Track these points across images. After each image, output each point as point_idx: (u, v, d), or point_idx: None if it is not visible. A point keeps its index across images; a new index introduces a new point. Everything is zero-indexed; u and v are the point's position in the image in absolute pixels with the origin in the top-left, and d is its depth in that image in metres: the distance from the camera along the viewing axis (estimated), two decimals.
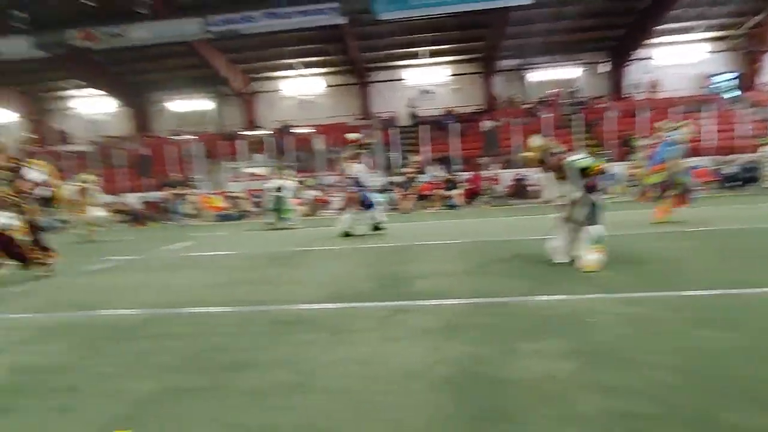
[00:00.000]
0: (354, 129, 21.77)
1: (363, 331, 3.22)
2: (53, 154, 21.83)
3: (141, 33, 17.00)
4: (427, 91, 23.66)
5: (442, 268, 5.21)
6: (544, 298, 3.77)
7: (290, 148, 19.26)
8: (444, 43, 21.72)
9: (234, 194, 17.06)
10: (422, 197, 15.49)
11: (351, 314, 3.67)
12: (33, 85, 24.78)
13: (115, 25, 16.85)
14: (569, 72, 23.05)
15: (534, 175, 12.22)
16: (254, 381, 2.48)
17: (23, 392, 2.56)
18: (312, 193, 16.10)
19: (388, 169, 17.03)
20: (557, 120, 18.24)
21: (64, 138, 25.26)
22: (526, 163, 5.32)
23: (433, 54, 22.62)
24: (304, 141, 21.03)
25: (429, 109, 22.89)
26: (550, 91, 21.78)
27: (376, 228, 8.78)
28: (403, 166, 17.45)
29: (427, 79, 23.93)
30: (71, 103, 26.49)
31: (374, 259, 6.17)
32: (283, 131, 22.43)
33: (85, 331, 3.65)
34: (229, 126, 24.72)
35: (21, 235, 5.84)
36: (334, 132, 20.63)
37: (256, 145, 20.88)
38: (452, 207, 14.69)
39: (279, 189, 11.18)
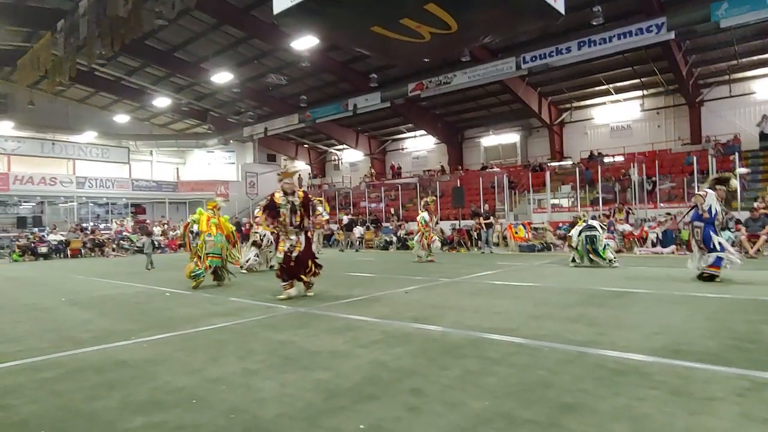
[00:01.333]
0: (680, 155, 18.99)
1: (715, 401, 2.67)
2: (389, 186, 26.44)
3: (462, 78, 19.02)
4: None
5: None
6: None
7: (600, 179, 18.09)
8: None
9: (538, 225, 17.04)
10: None
11: (695, 376, 3.10)
12: (376, 129, 30.74)
13: (442, 74, 19.37)
14: None
15: None
16: (590, 429, 2.34)
17: (381, 385, 3.07)
18: (624, 228, 14.65)
19: (729, 202, 14.05)
20: None
21: (396, 172, 30.28)
22: None
23: None
24: (615, 170, 19.51)
25: None
26: None
27: (705, 276, 7.30)
28: (753, 199, 14.11)
29: None
30: (402, 143, 31.66)
31: (718, 312, 5.11)
32: (592, 161, 21.35)
33: (419, 341, 4.17)
34: (535, 157, 25.06)
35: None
36: (653, 159, 18.46)
37: (563, 176, 20.45)
38: None
39: (590, 227, 10.34)
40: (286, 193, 6.76)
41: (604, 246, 10.19)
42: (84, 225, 25.27)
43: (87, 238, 21.66)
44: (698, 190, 8.07)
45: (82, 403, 2.91)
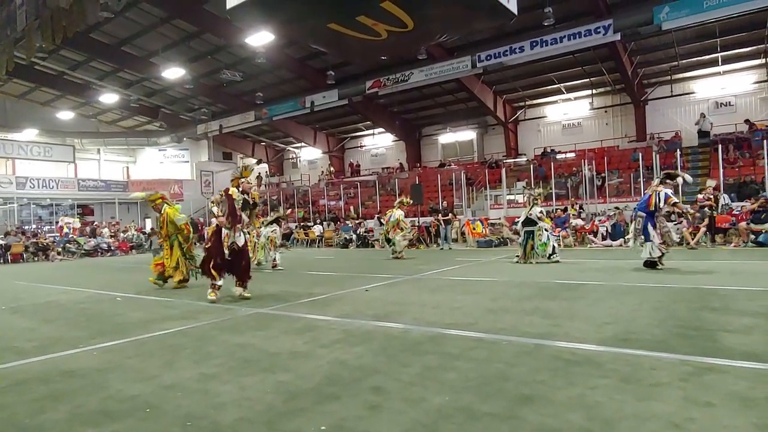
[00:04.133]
0: (626, 152, 19.84)
1: (661, 386, 2.81)
2: (348, 183, 26.35)
3: (419, 76, 19.16)
4: (725, 103, 19.91)
5: (761, 323, 4.20)
6: None
7: (553, 175, 18.67)
8: (746, 45, 17.96)
9: (495, 221, 17.42)
10: (717, 231, 12.91)
11: (643, 363, 3.25)
12: (335, 127, 30.56)
13: (399, 72, 19.44)
14: None
15: None
16: (546, 419, 2.41)
17: (342, 385, 3.06)
18: (577, 222, 15.19)
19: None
20: None
21: (355, 170, 30.22)
22: None
23: (727, 60, 18.95)
24: (567, 167, 20.19)
25: (726, 124, 19.20)
26: None
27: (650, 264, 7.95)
28: (698, 192, 14.91)
29: (724, 90, 20.09)
30: (360, 141, 31.62)
31: (663, 301, 5.38)
32: (545, 157, 22.02)
33: (380, 339, 4.18)
34: (491, 154, 25.58)
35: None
36: (602, 156, 19.21)
37: (518, 173, 20.97)
38: (764, 244, 11.79)
39: (529, 222, 10.13)
40: (242, 191, 6.68)
41: (546, 240, 10.00)
42: (25, 227, 23.90)
43: (29, 241, 20.50)
44: (652, 185, 8.52)
45: (26, 416, 2.75)
